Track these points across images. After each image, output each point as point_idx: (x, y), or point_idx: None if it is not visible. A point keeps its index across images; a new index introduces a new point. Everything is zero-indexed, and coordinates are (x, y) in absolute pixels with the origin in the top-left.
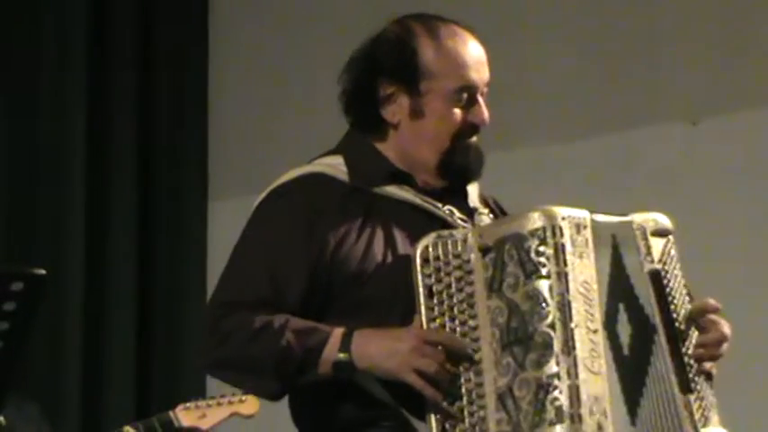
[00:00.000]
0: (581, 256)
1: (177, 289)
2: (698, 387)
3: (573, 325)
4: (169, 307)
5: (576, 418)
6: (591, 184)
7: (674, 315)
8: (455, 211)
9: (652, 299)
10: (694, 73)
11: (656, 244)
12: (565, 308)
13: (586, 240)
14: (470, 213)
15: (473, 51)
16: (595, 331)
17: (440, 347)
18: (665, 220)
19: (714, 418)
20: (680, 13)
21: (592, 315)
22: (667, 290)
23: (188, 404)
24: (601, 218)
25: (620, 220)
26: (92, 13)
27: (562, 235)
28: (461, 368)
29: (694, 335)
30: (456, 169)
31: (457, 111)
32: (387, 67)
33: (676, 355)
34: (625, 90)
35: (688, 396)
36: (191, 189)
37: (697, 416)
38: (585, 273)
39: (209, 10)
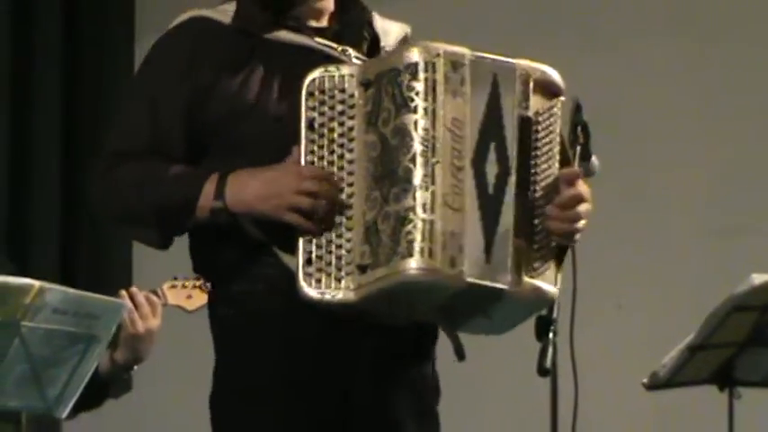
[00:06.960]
0: (454, 94)
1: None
2: (539, 241)
3: (434, 160)
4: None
5: (426, 252)
6: None
7: (532, 163)
8: (352, 51)
9: (515, 142)
10: None
11: (539, 100)
12: (428, 143)
13: (462, 79)
14: (375, 50)
15: None
16: (460, 168)
17: (317, 181)
18: (555, 76)
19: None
20: None
21: (459, 152)
22: (532, 139)
23: (176, 282)
24: (483, 56)
25: (505, 60)
26: None
27: (435, 71)
28: (335, 201)
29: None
30: None
31: None
32: None
33: (520, 200)
34: None
35: (522, 241)
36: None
37: (525, 264)
38: (457, 111)
39: None
